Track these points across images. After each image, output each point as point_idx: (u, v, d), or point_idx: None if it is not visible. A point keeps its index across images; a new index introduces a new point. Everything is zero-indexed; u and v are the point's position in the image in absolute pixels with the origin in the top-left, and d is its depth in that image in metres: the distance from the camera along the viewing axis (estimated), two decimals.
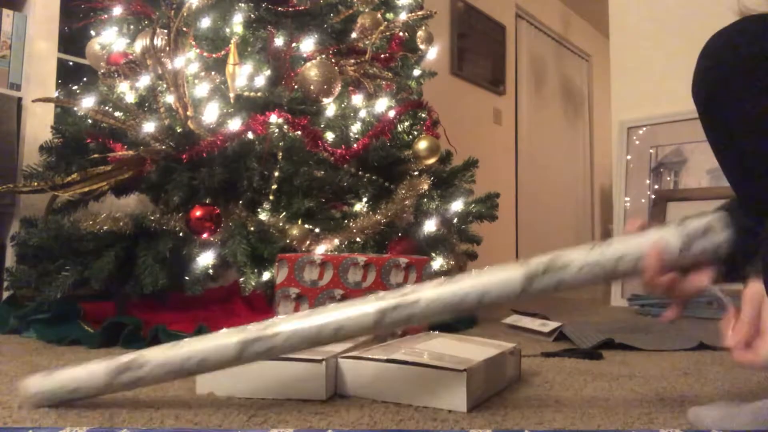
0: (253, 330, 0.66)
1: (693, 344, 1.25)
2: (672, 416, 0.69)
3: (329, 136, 1.62)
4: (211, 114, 1.45)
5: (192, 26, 1.56)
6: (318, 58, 1.59)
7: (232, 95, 1.51)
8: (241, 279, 1.31)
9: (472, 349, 0.82)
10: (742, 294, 0.54)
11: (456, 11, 3.77)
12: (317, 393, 0.73)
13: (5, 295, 1.51)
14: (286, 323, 0.66)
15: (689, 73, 0.63)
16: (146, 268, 1.29)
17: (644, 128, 2.50)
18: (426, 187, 1.61)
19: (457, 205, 1.76)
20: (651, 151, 2.46)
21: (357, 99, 1.74)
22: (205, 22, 1.61)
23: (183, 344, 0.67)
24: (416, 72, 2.06)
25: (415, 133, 1.83)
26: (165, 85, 1.48)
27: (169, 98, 1.46)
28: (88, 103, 1.49)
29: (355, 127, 1.70)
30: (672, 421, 0.66)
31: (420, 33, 1.92)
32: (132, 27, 1.68)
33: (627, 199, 2.48)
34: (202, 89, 1.51)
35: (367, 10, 1.79)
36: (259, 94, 1.53)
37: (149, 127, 1.41)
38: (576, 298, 2.92)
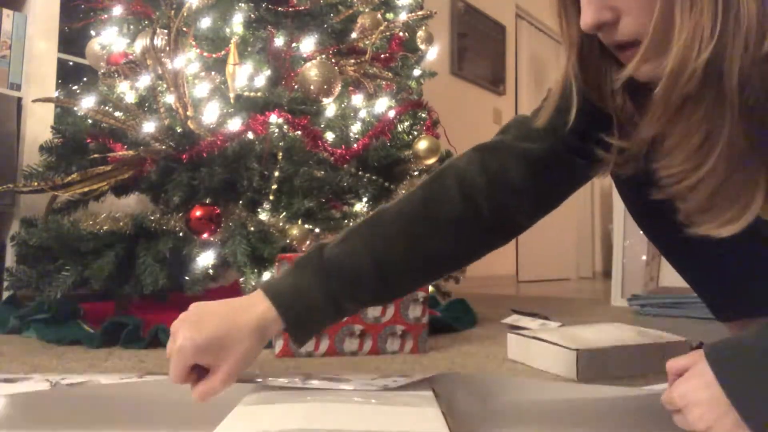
0: None
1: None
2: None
3: (329, 136, 1.62)
4: (211, 114, 1.45)
5: (192, 26, 1.56)
6: (318, 58, 1.59)
7: (232, 95, 1.51)
8: (241, 279, 1.31)
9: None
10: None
11: (456, 11, 3.78)
12: None
13: (5, 295, 1.51)
14: None
15: None
16: (146, 268, 1.29)
17: None
18: None
19: None
20: None
21: (357, 99, 1.74)
22: (205, 22, 1.61)
23: None
24: (416, 72, 2.06)
25: (415, 133, 1.83)
26: (165, 85, 1.48)
27: (169, 98, 1.46)
28: (88, 103, 1.49)
29: (355, 127, 1.70)
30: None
31: (420, 33, 1.92)
32: (132, 27, 1.68)
33: None
34: (202, 89, 1.51)
35: (367, 10, 1.79)
36: (259, 94, 1.53)
37: (149, 127, 1.41)
38: (576, 298, 2.92)
